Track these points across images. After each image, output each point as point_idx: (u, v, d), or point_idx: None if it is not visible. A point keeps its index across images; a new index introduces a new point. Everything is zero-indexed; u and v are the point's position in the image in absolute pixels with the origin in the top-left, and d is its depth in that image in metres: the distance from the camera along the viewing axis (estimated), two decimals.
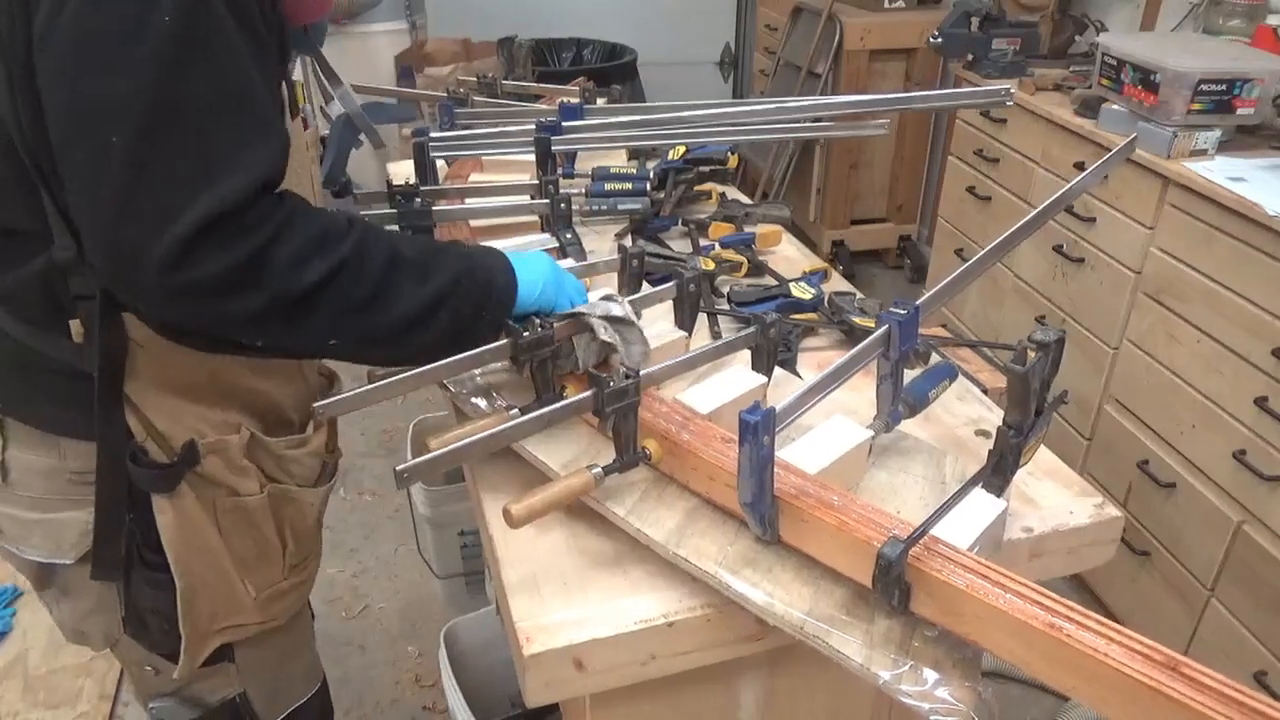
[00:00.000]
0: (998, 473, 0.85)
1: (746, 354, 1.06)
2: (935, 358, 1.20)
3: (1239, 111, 1.97)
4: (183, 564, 1.03)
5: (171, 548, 1.02)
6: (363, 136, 1.45)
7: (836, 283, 1.42)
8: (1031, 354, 0.80)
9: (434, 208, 1.34)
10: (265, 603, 1.13)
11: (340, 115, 1.44)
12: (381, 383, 0.94)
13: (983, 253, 1.00)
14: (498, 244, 1.35)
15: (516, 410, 0.95)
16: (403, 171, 1.80)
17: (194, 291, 0.80)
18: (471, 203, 1.49)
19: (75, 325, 0.93)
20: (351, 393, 0.92)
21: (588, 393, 0.87)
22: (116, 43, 0.75)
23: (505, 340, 1.00)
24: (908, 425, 0.97)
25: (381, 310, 0.87)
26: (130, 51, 0.75)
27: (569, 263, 1.30)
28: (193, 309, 0.82)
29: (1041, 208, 1.05)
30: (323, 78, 1.40)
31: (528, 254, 1.04)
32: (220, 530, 1.05)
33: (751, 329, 1.03)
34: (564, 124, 1.59)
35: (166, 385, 0.99)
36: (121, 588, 1.06)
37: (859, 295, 1.33)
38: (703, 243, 1.52)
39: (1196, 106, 1.94)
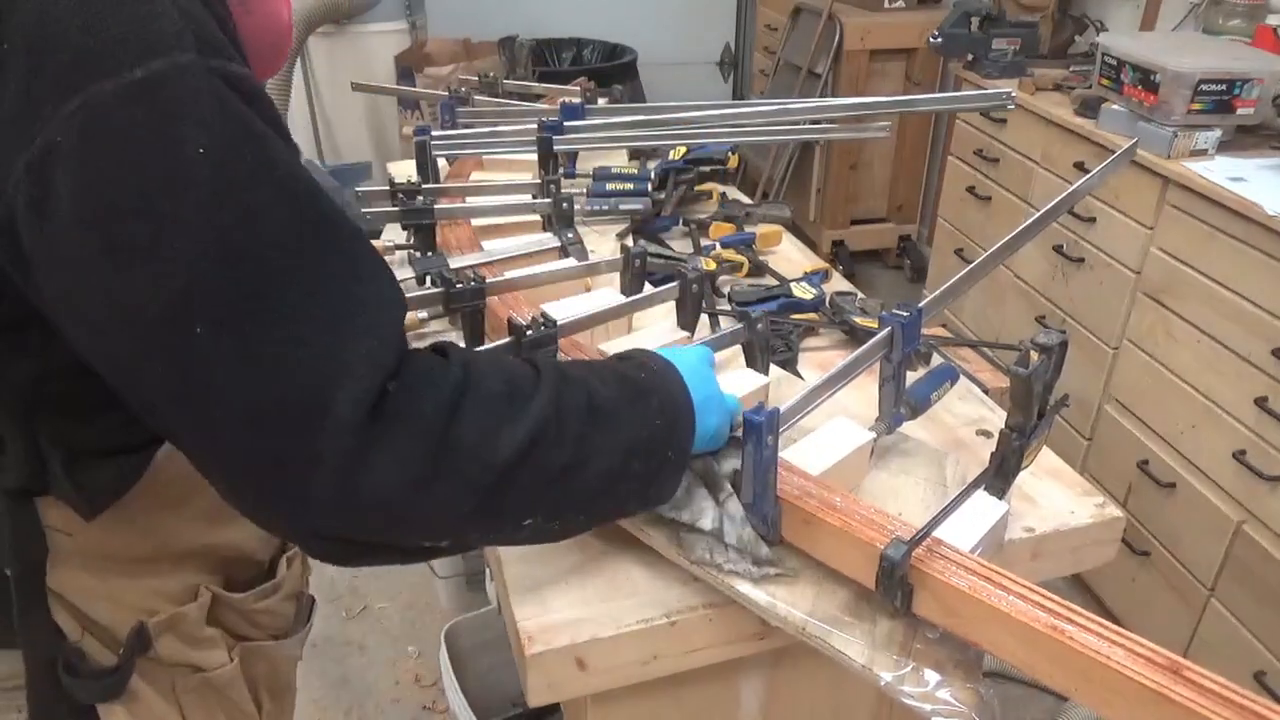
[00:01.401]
0: (1000, 475, 0.85)
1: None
2: (936, 358, 1.20)
3: (1239, 111, 1.97)
4: None
5: None
6: None
7: (837, 283, 1.43)
8: (1034, 357, 0.80)
9: (435, 206, 1.34)
10: None
11: None
12: None
13: (984, 256, 1.00)
14: (502, 244, 1.36)
15: None
16: (404, 171, 1.80)
17: (380, 497, 0.58)
18: (473, 201, 1.49)
19: None
20: None
21: None
22: (148, 206, 0.54)
23: (508, 339, 1.00)
24: (909, 426, 0.97)
25: (579, 473, 0.67)
26: (173, 209, 0.54)
27: (569, 262, 1.30)
28: (376, 521, 0.60)
29: (1042, 212, 1.06)
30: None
31: (692, 360, 0.80)
32: (183, 713, 0.88)
33: (739, 326, 1.04)
34: (566, 124, 1.59)
35: (102, 567, 0.81)
36: None
37: (860, 295, 1.33)
38: (704, 242, 1.53)
39: (1196, 106, 1.94)
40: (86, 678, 0.81)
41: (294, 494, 0.58)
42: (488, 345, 1.03)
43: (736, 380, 1.00)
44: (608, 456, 0.68)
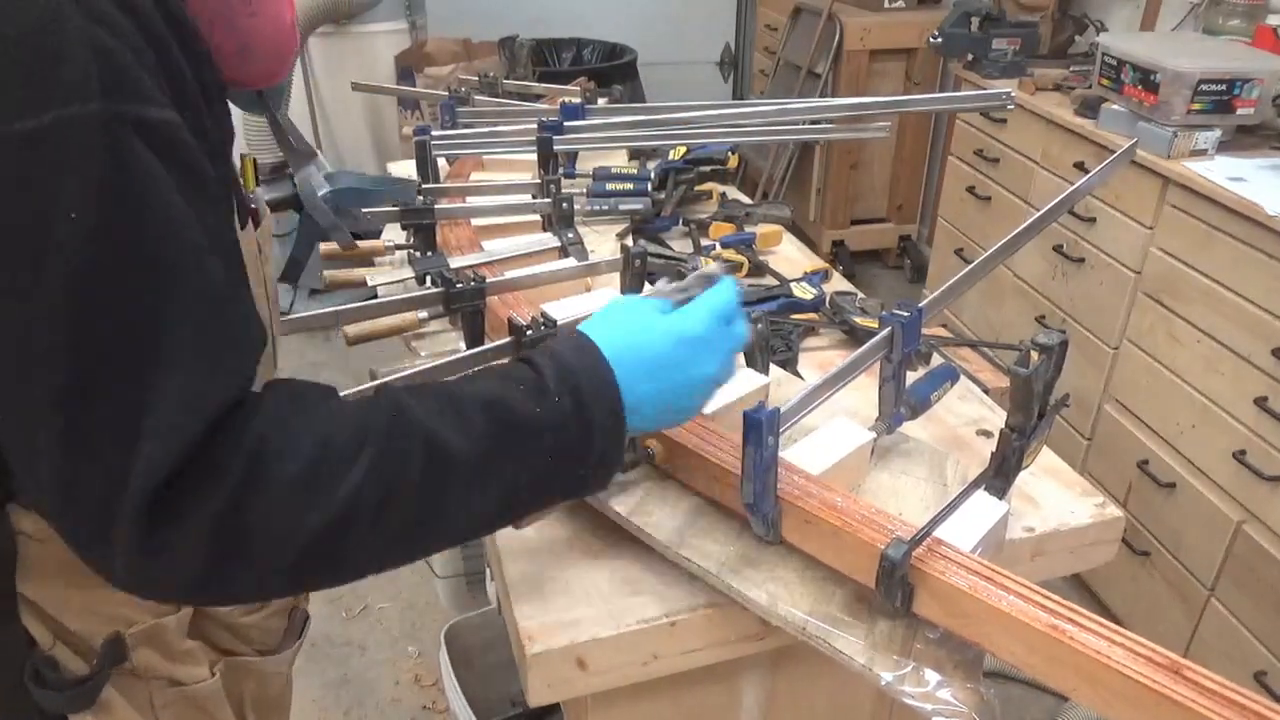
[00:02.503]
0: (1000, 475, 0.85)
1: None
2: (936, 358, 1.20)
3: (1239, 111, 1.97)
4: None
5: None
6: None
7: (837, 283, 1.43)
8: (1035, 357, 0.80)
9: (436, 206, 1.34)
10: None
11: (304, 215, 1.21)
12: (380, 381, 0.93)
13: (984, 256, 1.00)
14: (502, 244, 1.36)
15: None
16: (404, 171, 1.80)
17: (174, 585, 0.60)
18: (473, 201, 1.49)
19: None
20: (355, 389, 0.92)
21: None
22: (10, 265, 0.54)
23: (508, 339, 1.00)
24: (909, 426, 0.97)
25: (435, 531, 0.66)
26: (23, 272, 0.54)
27: (569, 262, 1.30)
28: (182, 599, 0.65)
29: (1042, 212, 1.06)
30: (288, 147, 1.17)
31: (635, 322, 0.75)
32: None
33: None
34: (566, 124, 1.59)
35: (79, 579, 0.75)
36: None
37: (860, 295, 1.33)
38: (704, 242, 1.53)
39: (1196, 106, 1.94)
40: (54, 688, 0.79)
41: (103, 567, 0.59)
42: (487, 345, 1.03)
43: (737, 380, 1.00)
44: (471, 511, 0.66)
